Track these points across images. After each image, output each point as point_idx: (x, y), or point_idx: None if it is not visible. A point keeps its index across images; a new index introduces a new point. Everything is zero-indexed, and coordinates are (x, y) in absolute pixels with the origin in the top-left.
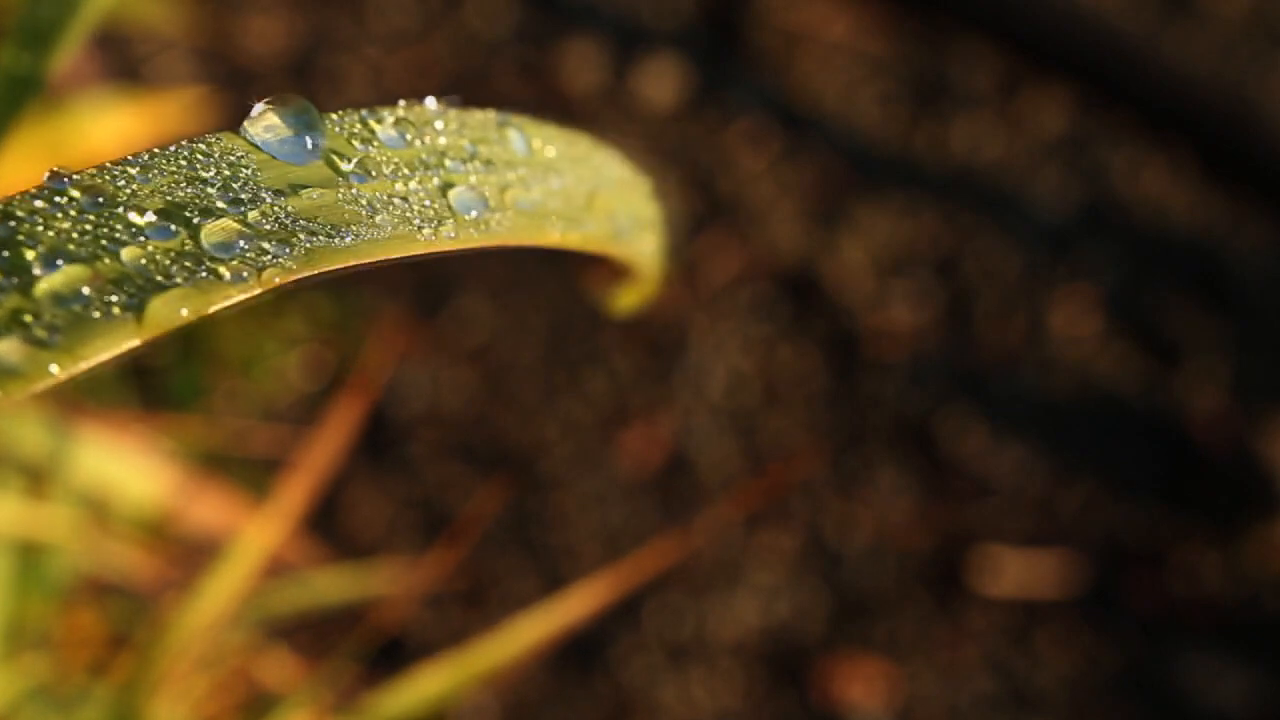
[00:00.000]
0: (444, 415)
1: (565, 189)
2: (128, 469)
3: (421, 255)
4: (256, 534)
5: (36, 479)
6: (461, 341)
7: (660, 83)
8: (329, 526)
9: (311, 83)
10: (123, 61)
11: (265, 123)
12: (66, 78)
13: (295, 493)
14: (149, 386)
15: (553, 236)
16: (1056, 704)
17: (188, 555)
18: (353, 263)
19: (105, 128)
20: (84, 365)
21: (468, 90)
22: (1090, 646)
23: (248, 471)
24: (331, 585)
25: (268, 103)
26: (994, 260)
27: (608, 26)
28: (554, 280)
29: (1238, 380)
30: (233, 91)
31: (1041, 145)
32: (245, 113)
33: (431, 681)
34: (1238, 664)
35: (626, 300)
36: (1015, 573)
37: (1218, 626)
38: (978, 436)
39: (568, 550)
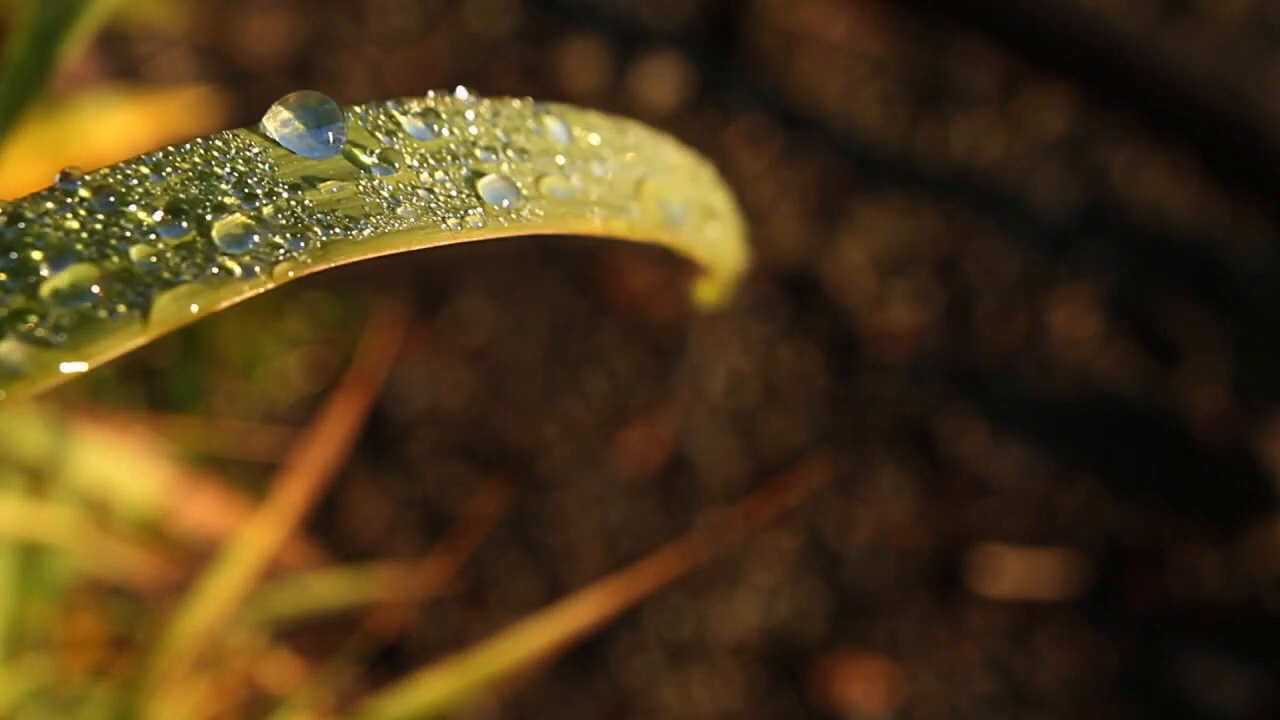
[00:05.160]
0: (444, 415)
1: (609, 176)
2: (128, 470)
3: (446, 245)
4: (256, 536)
5: (37, 480)
6: (461, 341)
7: (660, 83)
8: (329, 527)
9: (312, 82)
10: (123, 61)
11: (283, 117)
12: (68, 78)
13: (294, 494)
14: (150, 387)
15: (592, 225)
16: (1056, 704)
17: (188, 557)
18: (370, 255)
19: (107, 127)
20: (89, 364)
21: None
22: (1090, 646)
23: (248, 473)
24: (331, 587)
25: (287, 98)
26: (994, 260)
27: (608, 26)
28: (554, 280)
29: (1238, 380)
30: (234, 91)
31: (1041, 145)
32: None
33: (434, 687)
34: (1238, 664)
35: (706, 294)
36: (1015, 573)
37: (1218, 626)
38: (978, 436)
39: (568, 550)
